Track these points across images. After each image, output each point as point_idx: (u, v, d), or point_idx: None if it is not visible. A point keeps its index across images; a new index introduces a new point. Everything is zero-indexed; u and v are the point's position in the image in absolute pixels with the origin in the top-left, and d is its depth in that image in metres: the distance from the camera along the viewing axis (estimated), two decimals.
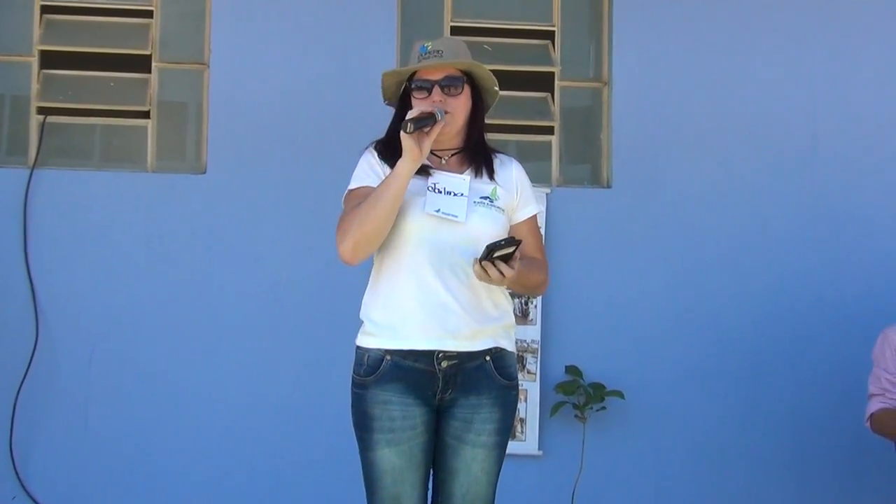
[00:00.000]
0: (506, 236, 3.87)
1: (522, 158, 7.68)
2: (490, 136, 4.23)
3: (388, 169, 3.90)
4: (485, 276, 3.77)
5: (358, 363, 3.95)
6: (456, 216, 3.89)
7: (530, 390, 7.10)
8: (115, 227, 6.91)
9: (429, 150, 3.86)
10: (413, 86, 3.99)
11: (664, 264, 7.30)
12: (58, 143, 7.13)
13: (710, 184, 7.36)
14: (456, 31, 7.36)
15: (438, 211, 3.89)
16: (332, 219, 6.61)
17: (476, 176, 4.01)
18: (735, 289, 7.32)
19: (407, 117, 3.82)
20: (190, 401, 6.92)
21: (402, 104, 4.06)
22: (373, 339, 3.92)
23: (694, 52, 7.41)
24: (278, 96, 7.02)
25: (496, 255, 3.72)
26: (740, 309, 7.32)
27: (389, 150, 3.96)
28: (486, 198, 3.99)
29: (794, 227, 7.39)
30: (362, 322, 4.00)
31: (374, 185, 3.88)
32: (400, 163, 3.79)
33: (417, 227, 3.89)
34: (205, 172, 7.02)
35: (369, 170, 3.98)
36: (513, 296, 7.01)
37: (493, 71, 4.11)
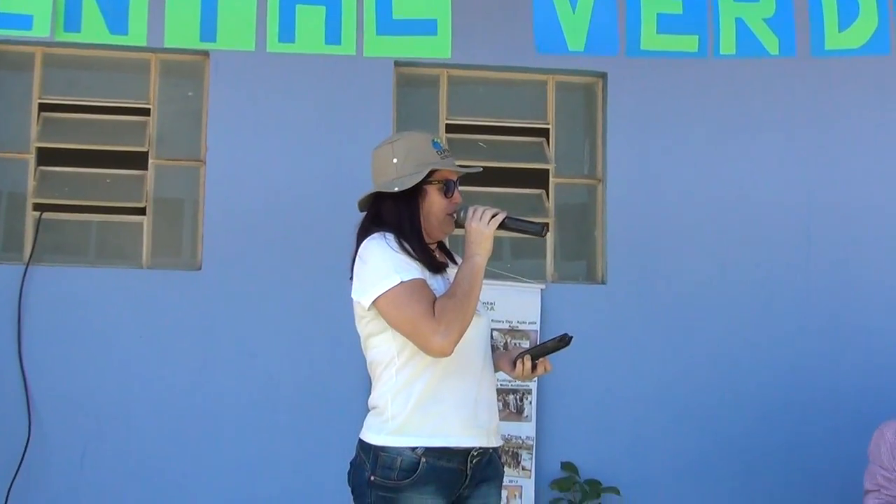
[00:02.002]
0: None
1: (517, 255, 7.78)
2: None
3: (414, 262, 3.76)
4: (529, 374, 3.83)
5: (387, 466, 3.68)
6: (478, 311, 3.84)
7: (525, 487, 7.05)
8: (109, 324, 6.90)
9: None
10: (447, 185, 3.93)
11: (659, 361, 7.29)
12: (53, 239, 7.12)
13: (704, 279, 7.38)
14: (451, 128, 7.41)
15: None
16: (327, 314, 6.64)
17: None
18: (731, 386, 7.32)
19: (501, 218, 3.85)
20: (184, 499, 6.86)
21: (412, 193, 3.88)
22: (404, 438, 3.69)
23: (688, 150, 7.46)
24: (273, 193, 7.04)
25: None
26: (736, 405, 7.31)
27: (413, 243, 3.81)
28: None
29: (790, 324, 7.40)
30: (379, 420, 3.75)
31: (421, 277, 3.72)
32: (479, 259, 3.75)
33: None
34: (200, 269, 7.02)
35: (407, 261, 3.75)
36: (507, 392, 7.03)
37: (488, 168, 4.11)
